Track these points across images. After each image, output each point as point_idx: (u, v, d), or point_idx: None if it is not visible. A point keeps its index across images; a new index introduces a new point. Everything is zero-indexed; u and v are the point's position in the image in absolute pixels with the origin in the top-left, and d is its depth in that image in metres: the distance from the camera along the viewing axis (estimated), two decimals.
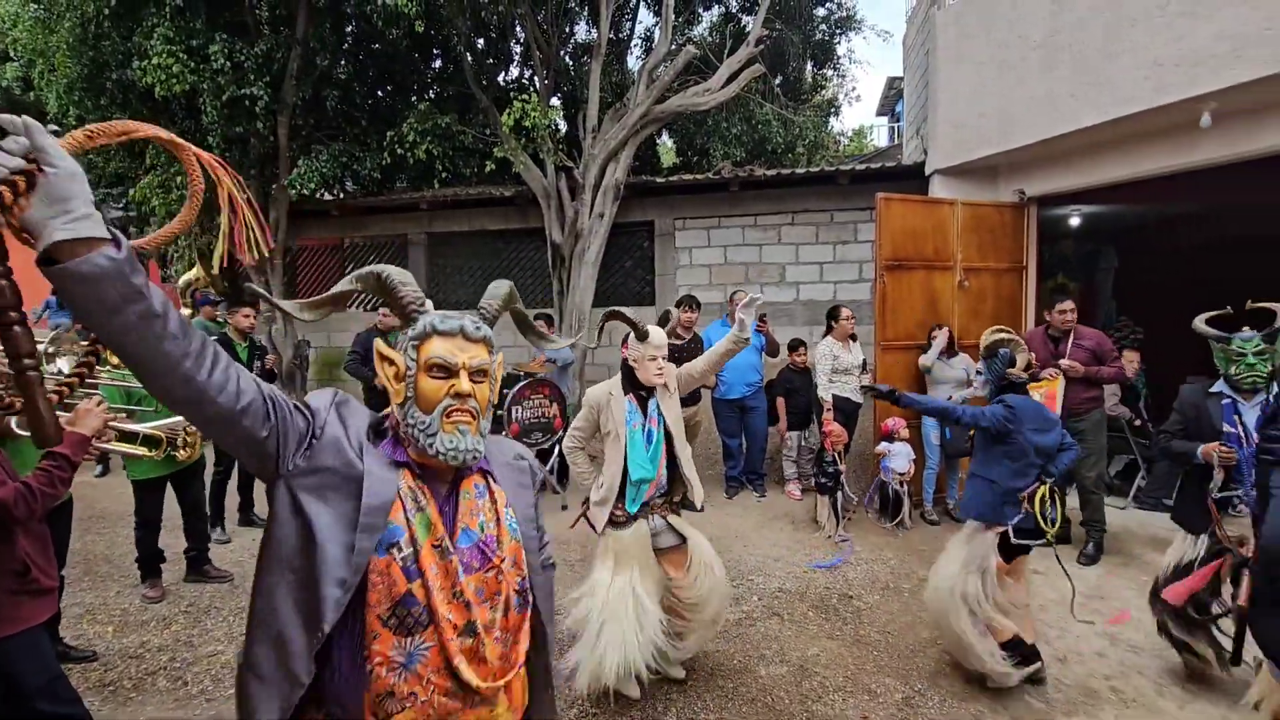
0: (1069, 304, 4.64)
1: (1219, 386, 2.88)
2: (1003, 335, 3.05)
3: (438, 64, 9.47)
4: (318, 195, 8.03)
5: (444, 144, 7.94)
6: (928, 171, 6.44)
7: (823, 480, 4.95)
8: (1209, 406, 2.86)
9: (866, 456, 5.76)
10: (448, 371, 1.14)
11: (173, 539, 4.09)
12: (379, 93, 9.18)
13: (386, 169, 8.24)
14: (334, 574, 1.01)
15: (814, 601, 3.84)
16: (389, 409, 1.23)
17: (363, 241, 9.07)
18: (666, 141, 10.90)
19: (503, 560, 1.15)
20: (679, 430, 2.85)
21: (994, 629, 2.85)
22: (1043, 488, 2.82)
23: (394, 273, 1.19)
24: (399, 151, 7.81)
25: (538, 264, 8.38)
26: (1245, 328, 2.75)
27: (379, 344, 1.20)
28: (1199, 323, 2.94)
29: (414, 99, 9.03)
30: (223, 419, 0.98)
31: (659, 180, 7.94)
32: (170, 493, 3.89)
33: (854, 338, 5.51)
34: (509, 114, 6.95)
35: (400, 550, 1.06)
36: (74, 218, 0.81)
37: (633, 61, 9.86)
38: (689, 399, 5.04)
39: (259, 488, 5.02)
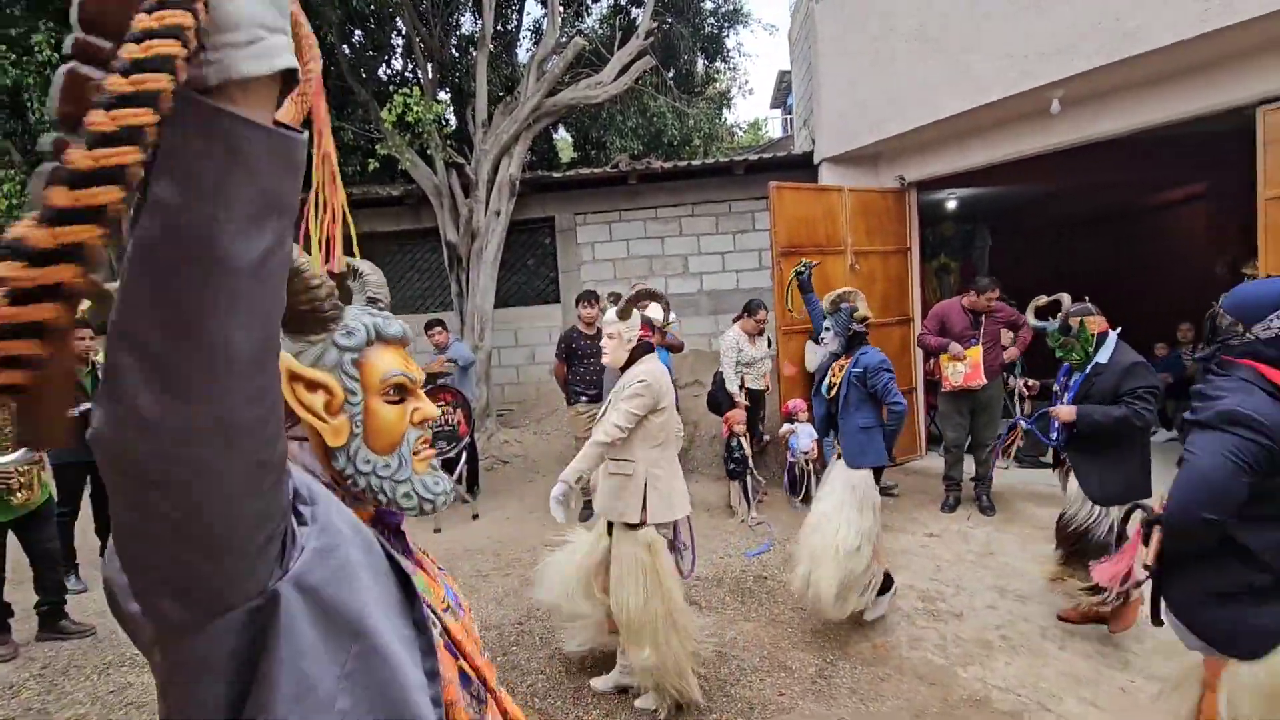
0: (996, 292, 4.88)
1: None
2: (844, 291, 3.42)
3: None
4: None
5: None
6: (816, 160, 6.67)
7: (730, 466, 5.03)
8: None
9: (776, 439, 5.92)
10: (405, 392, 0.86)
11: (20, 593, 3.62)
12: None
13: None
14: (424, 694, 0.72)
15: (730, 586, 3.88)
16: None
17: None
18: (564, 136, 10.75)
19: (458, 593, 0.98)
20: (602, 418, 2.66)
21: (879, 557, 3.26)
22: None
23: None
24: None
25: (434, 266, 8.03)
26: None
27: (290, 361, 0.77)
28: (1029, 314, 3.41)
29: None
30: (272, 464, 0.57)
31: (555, 175, 7.79)
32: (15, 541, 3.42)
33: (761, 333, 5.48)
34: (390, 109, 6.59)
35: (436, 629, 0.81)
36: (264, 46, 0.48)
37: (522, 54, 9.63)
38: (595, 397, 4.97)
39: None
